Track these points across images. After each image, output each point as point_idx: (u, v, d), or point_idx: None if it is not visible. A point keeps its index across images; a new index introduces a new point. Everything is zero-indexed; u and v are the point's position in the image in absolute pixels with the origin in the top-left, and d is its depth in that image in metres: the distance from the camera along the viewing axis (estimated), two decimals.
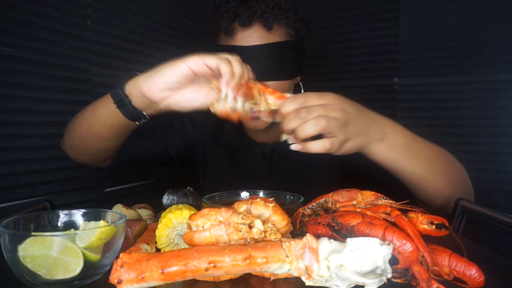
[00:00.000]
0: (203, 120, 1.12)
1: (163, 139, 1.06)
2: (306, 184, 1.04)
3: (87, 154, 0.89)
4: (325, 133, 0.65)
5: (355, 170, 1.00)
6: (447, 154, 0.81)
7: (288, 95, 0.68)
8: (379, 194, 0.56)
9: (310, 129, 0.63)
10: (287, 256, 0.40)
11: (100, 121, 0.79)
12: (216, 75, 0.67)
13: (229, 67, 0.65)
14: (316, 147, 0.65)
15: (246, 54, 0.90)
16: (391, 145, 0.73)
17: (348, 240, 0.41)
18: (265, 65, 0.90)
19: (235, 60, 0.66)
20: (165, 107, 0.72)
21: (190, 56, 0.65)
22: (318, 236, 0.43)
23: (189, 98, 0.70)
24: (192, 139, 1.11)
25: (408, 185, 0.79)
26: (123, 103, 0.73)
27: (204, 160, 1.11)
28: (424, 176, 0.76)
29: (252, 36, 0.91)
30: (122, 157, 0.96)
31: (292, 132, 0.65)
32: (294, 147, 0.66)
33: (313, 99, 0.65)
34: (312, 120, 0.63)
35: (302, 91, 1.04)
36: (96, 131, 0.81)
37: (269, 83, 0.93)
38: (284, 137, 0.68)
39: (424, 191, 0.78)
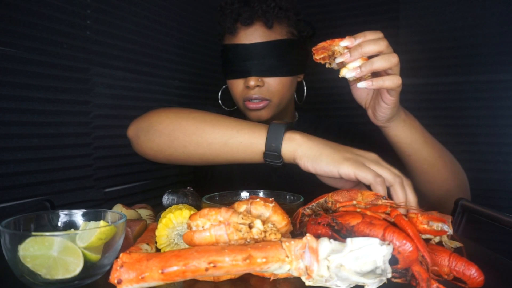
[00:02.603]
0: None
1: None
2: (312, 181, 1.05)
3: (177, 163, 0.84)
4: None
5: None
6: (448, 151, 0.83)
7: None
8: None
9: (385, 61, 0.63)
10: (287, 256, 0.40)
11: (229, 153, 0.74)
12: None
13: (384, 187, 0.61)
14: (389, 82, 0.65)
15: (248, 52, 0.93)
16: (412, 125, 0.76)
17: (348, 240, 0.41)
18: (266, 62, 0.94)
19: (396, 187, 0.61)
20: None
21: (344, 165, 0.62)
22: (318, 236, 0.43)
23: None
24: None
25: (418, 173, 0.80)
26: (275, 162, 0.71)
27: None
28: (436, 164, 0.78)
29: (254, 34, 0.94)
30: None
31: (360, 66, 0.64)
32: (364, 84, 0.65)
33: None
34: (390, 54, 0.64)
35: (305, 89, 1.06)
36: (214, 159, 0.77)
37: (271, 79, 0.95)
38: (345, 72, 0.66)
39: (432, 181, 0.79)
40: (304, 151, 0.67)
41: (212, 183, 1.12)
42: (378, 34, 0.66)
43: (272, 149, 0.69)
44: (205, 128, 0.75)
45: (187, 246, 0.47)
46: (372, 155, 0.65)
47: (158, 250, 0.54)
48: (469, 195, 0.84)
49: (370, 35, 0.65)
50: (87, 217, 0.53)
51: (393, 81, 0.65)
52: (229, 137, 0.73)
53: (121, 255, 0.39)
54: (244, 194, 0.71)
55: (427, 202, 0.84)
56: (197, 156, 0.77)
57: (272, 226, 0.46)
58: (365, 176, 0.60)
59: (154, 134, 0.79)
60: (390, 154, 0.80)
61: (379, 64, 0.64)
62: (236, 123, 0.75)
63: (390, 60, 0.64)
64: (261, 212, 0.49)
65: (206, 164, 0.80)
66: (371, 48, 0.64)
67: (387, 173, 0.62)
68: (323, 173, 0.65)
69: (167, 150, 0.79)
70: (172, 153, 0.79)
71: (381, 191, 0.59)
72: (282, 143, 0.68)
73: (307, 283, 0.41)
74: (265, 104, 0.96)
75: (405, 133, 0.76)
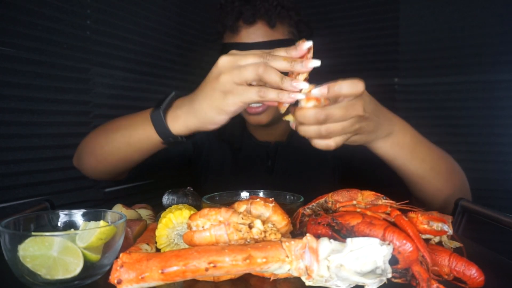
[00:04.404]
0: None
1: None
2: (308, 183, 1.04)
3: (114, 174, 0.88)
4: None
5: (357, 169, 1.01)
6: (449, 158, 0.82)
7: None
8: (379, 194, 0.56)
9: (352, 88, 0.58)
10: (287, 256, 0.40)
11: (137, 150, 0.78)
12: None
13: (272, 91, 0.58)
14: (347, 87, 0.58)
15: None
16: (396, 143, 0.73)
17: (348, 240, 0.41)
18: None
19: (266, 74, 0.57)
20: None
21: (229, 97, 0.60)
22: (318, 236, 0.43)
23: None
24: (199, 138, 1.11)
25: (408, 183, 0.79)
26: (171, 140, 0.71)
27: (208, 159, 1.12)
28: (425, 176, 0.76)
29: (256, 33, 0.93)
30: (138, 168, 0.93)
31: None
32: (317, 92, 0.57)
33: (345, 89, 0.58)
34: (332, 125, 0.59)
35: None
36: (132, 158, 0.81)
37: None
38: (290, 118, 0.62)
39: (423, 190, 0.78)
40: (193, 121, 0.66)
41: (206, 185, 1.11)
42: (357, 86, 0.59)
43: (165, 135, 0.70)
44: (111, 135, 0.80)
45: (187, 246, 0.47)
46: (224, 61, 0.60)
47: (158, 250, 0.54)
48: (469, 197, 0.84)
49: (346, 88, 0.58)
50: (87, 217, 0.53)
51: (352, 87, 0.57)
52: (129, 137, 0.76)
53: (121, 255, 0.39)
54: (244, 194, 0.71)
55: (427, 208, 0.83)
56: (119, 161, 0.82)
57: (272, 226, 0.46)
58: (250, 97, 0.58)
59: (86, 157, 0.87)
60: None
61: (346, 89, 0.57)
62: (132, 120, 0.77)
63: (357, 87, 0.58)
64: (261, 212, 0.49)
65: (133, 164, 0.83)
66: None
67: (252, 70, 0.57)
68: (222, 120, 0.64)
69: (98, 166, 0.85)
70: (103, 167, 0.84)
71: (272, 95, 0.57)
72: (168, 126, 0.68)
73: (307, 283, 0.41)
74: (264, 108, 0.95)
75: (386, 150, 0.72)
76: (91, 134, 0.87)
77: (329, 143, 0.61)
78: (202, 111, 0.64)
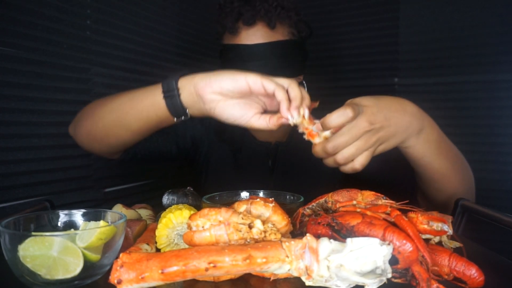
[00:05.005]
0: (210, 118, 1.13)
1: (174, 135, 1.06)
2: (309, 183, 1.04)
3: (105, 144, 0.85)
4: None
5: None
6: (462, 155, 0.82)
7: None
8: (379, 194, 0.56)
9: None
10: (287, 256, 0.40)
11: (136, 111, 0.76)
12: (269, 99, 0.69)
13: (285, 93, 0.64)
14: (346, 170, 0.65)
15: (249, 52, 0.92)
16: (426, 139, 0.72)
17: (348, 240, 0.41)
18: (268, 63, 0.92)
19: (292, 86, 0.65)
20: (209, 110, 0.70)
21: (251, 73, 0.66)
22: (318, 236, 0.43)
23: (235, 112, 0.68)
24: (199, 136, 1.11)
25: (427, 181, 0.78)
26: (172, 94, 0.70)
27: (208, 158, 1.12)
28: (447, 174, 0.76)
29: (256, 35, 0.93)
30: (133, 150, 0.92)
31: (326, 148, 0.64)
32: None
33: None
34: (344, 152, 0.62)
35: (306, 89, 1.05)
36: (127, 122, 0.78)
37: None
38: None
39: (442, 189, 0.78)
40: (202, 77, 0.68)
41: (207, 185, 1.11)
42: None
43: (168, 85, 0.70)
44: (120, 102, 0.79)
45: (187, 246, 0.47)
46: None
47: (158, 250, 0.54)
48: (474, 196, 0.84)
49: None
50: (87, 217, 0.53)
51: (340, 117, 0.60)
52: (137, 100, 0.76)
53: (121, 255, 0.39)
54: (244, 194, 0.71)
55: (432, 205, 0.83)
56: (127, 130, 0.79)
57: (272, 226, 0.46)
58: (268, 83, 0.64)
59: (83, 122, 0.84)
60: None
61: (336, 121, 0.61)
62: (144, 89, 0.77)
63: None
64: (261, 212, 0.49)
65: (141, 135, 0.81)
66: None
67: (283, 80, 0.66)
68: (228, 89, 0.66)
69: (99, 132, 0.82)
70: (106, 135, 0.82)
71: (281, 95, 0.63)
72: (178, 79, 0.70)
73: (307, 283, 0.41)
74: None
75: (417, 147, 0.72)
76: (93, 103, 0.86)
77: (353, 166, 0.64)
78: (217, 72, 0.68)
